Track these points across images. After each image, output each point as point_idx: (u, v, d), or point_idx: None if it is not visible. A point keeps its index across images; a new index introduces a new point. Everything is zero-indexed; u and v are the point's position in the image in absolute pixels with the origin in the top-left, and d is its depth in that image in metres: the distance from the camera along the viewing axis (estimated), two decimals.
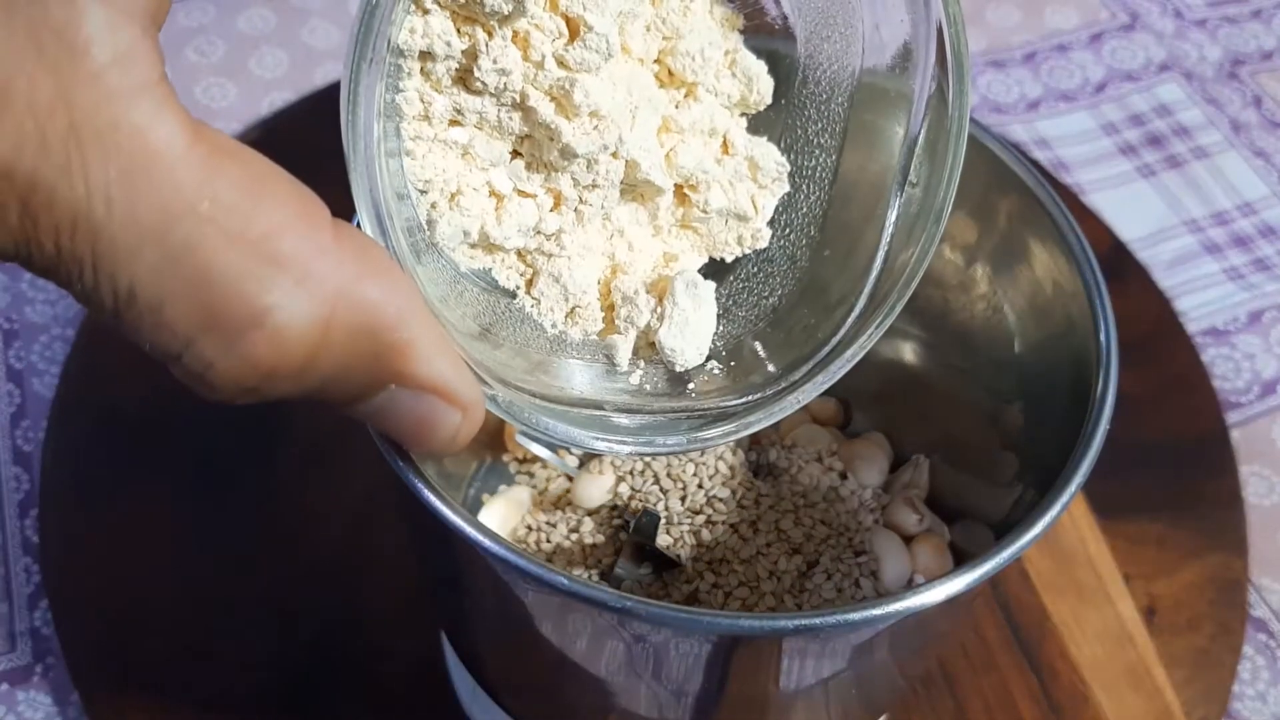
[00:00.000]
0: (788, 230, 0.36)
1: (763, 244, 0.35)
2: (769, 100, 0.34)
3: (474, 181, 0.32)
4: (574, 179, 0.32)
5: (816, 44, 0.34)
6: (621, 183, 0.33)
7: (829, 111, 0.35)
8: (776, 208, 0.35)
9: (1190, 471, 0.55)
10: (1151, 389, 0.57)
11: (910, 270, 0.35)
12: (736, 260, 0.36)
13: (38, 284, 0.59)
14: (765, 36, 0.34)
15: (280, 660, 0.48)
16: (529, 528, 0.44)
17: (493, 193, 0.32)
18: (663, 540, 0.40)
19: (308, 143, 0.63)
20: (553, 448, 0.44)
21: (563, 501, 0.45)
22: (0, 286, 0.58)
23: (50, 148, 0.22)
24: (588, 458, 0.45)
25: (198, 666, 0.47)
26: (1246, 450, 0.56)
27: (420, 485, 0.32)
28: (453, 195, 0.32)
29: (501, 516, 0.44)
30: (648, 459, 0.44)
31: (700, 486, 0.43)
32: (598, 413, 0.34)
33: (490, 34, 0.30)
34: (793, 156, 0.35)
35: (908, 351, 0.46)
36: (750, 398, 0.35)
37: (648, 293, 0.34)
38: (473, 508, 0.45)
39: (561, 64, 0.30)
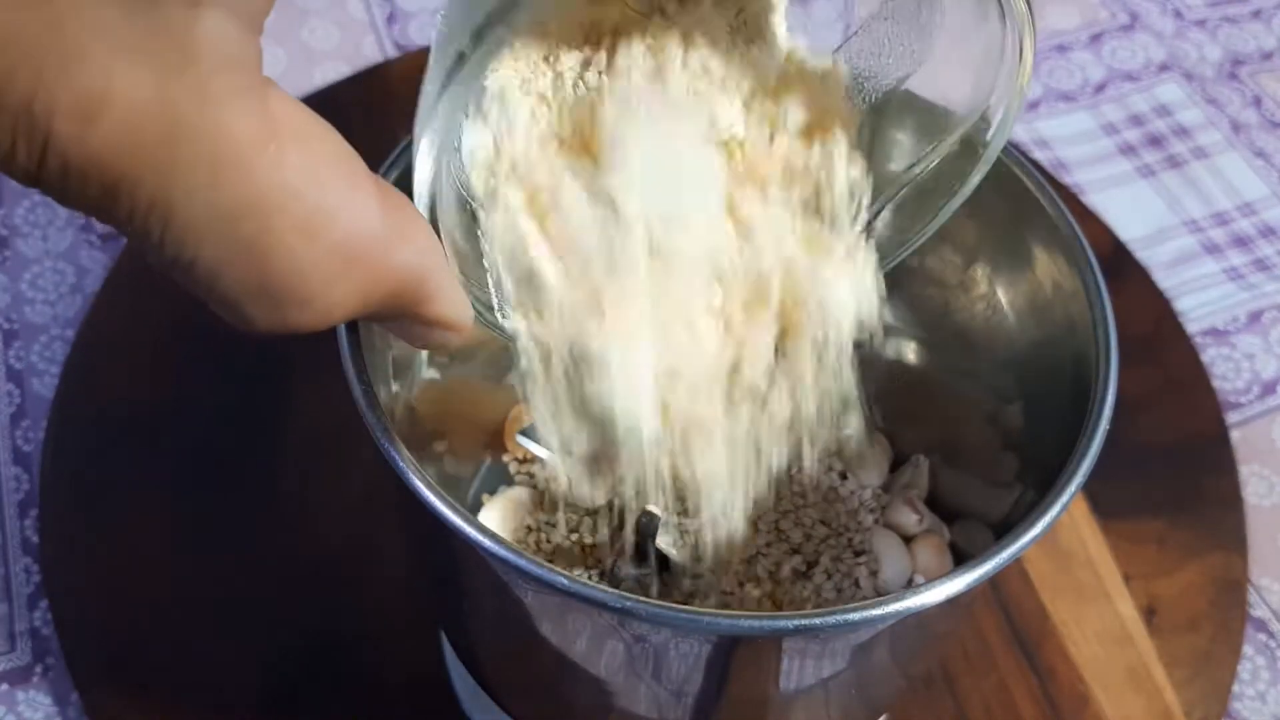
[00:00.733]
0: None
1: None
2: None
3: None
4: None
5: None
6: None
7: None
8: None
9: (1190, 471, 0.55)
10: (1151, 389, 0.57)
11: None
12: None
13: (38, 284, 0.59)
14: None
15: (280, 660, 0.48)
16: (529, 528, 0.44)
17: None
18: (663, 540, 0.40)
19: None
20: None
21: (563, 501, 0.45)
22: (0, 287, 0.58)
23: (144, 147, 0.23)
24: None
25: (197, 666, 0.47)
26: (1246, 450, 0.56)
27: (420, 485, 0.32)
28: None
29: (501, 516, 0.44)
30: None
31: None
32: None
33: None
34: None
35: (908, 351, 0.46)
36: None
37: None
38: (473, 508, 0.45)
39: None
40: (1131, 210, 0.65)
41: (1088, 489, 0.48)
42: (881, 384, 0.47)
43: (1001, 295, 0.41)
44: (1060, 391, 0.38)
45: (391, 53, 0.69)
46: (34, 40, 0.22)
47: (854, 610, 0.31)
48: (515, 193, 0.32)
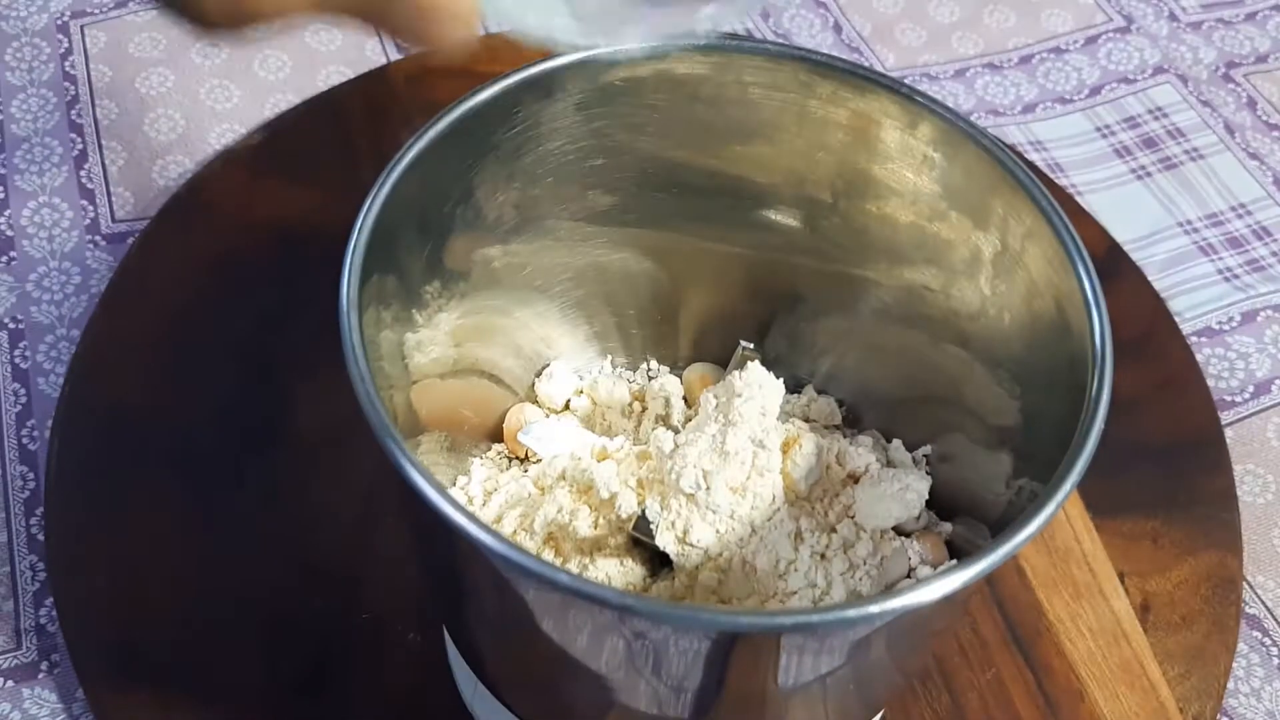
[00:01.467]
0: None
1: None
2: None
3: None
4: None
5: None
6: None
7: None
8: None
9: (1185, 470, 0.55)
10: (1146, 389, 0.57)
11: None
12: None
13: (43, 284, 0.59)
14: None
15: (283, 657, 0.48)
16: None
17: None
18: (662, 538, 0.41)
19: (309, 144, 0.64)
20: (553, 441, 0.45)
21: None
22: (6, 288, 0.59)
23: None
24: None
25: (201, 664, 0.48)
26: (1240, 449, 0.57)
27: (423, 483, 0.32)
28: None
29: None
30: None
31: None
32: None
33: None
34: None
35: (905, 351, 0.46)
36: None
37: None
38: None
39: None
40: (1126, 211, 0.65)
41: (1083, 487, 0.48)
42: (880, 383, 0.48)
43: (998, 296, 0.42)
44: (1056, 391, 0.38)
45: (394, 55, 0.69)
46: None
47: (851, 607, 0.31)
48: None
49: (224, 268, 0.59)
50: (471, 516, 0.32)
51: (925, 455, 0.45)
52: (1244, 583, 0.53)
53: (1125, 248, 0.63)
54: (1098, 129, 0.69)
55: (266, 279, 0.58)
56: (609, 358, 0.50)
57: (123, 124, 0.65)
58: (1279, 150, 0.68)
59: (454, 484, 0.44)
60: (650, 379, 0.49)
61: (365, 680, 0.47)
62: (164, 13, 0.25)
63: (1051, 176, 0.66)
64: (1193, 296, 0.62)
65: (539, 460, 0.45)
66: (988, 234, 0.41)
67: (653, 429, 0.46)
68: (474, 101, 0.40)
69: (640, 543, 0.42)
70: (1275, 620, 0.52)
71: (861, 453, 0.44)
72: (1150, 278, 0.62)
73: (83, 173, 0.63)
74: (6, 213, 0.61)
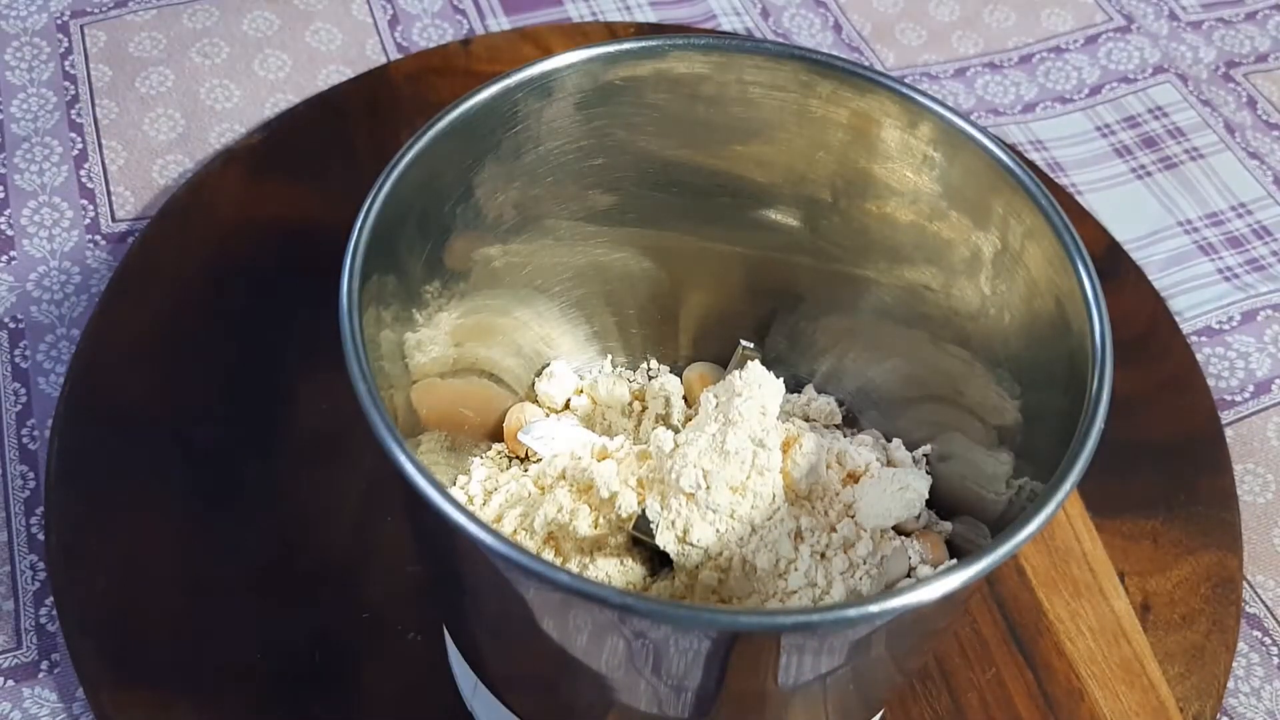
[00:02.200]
0: None
1: None
2: None
3: None
4: None
5: None
6: None
7: None
8: None
9: (1185, 469, 0.55)
10: (1146, 388, 0.57)
11: None
12: None
13: (43, 284, 0.59)
14: None
15: (283, 656, 0.48)
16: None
17: None
18: (662, 538, 0.41)
19: (309, 144, 0.64)
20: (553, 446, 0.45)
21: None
22: (6, 287, 0.59)
23: None
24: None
25: (201, 663, 0.48)
26: (1241, 448, 0.57)
27: (422, 482, 0.32)
28: None
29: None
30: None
31: None
32: None
33: None
34: None
35: (905, 351, 0.46)
36: None
37: None
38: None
39: None
40: (1126, 211, 0.65)
41: (1083, 486, 0.48)
42: (879, 383, 0.48)
43: (998, 295, 0.42)
44: (1056, 390, 0.38)
45: (394, 54, 0.69)
46: None
47: (851, 607, 0.31)
48: None
49: (224, 268, 0.59)
50: (471, 516, 0.32)
51: (925, 455, 0.45)
52: (1244, 582, 0.53)
53: (1125, 247, 0.63)
54: (1098, 128, 0.69)
55: (266, 279, 0.58)
56: (609, 357, 0.50)
57: (123, 124, 0.65)
58: (1279, 150, 0.68)
59: (454, 484, 0.44)
60: (650, 378, 0.49)
61: (365, 680, 0.47)
62: None
63: (1051, 176, 0.66)
64: (1193, 296, 0.62)
65: (539, 460, 0.45)
66: (988, 233, 0.41)
67: (653, 428, 0.46)
68: (474, 101, 0.40)
69: (640, 542, 0.42)
70: (1275, 620, 0.52)
71: (861, 452, 0.44)
72: (1150, 277, 0.62)
73: (83, 172, 0.63)
74: (6, 212, 0.61)
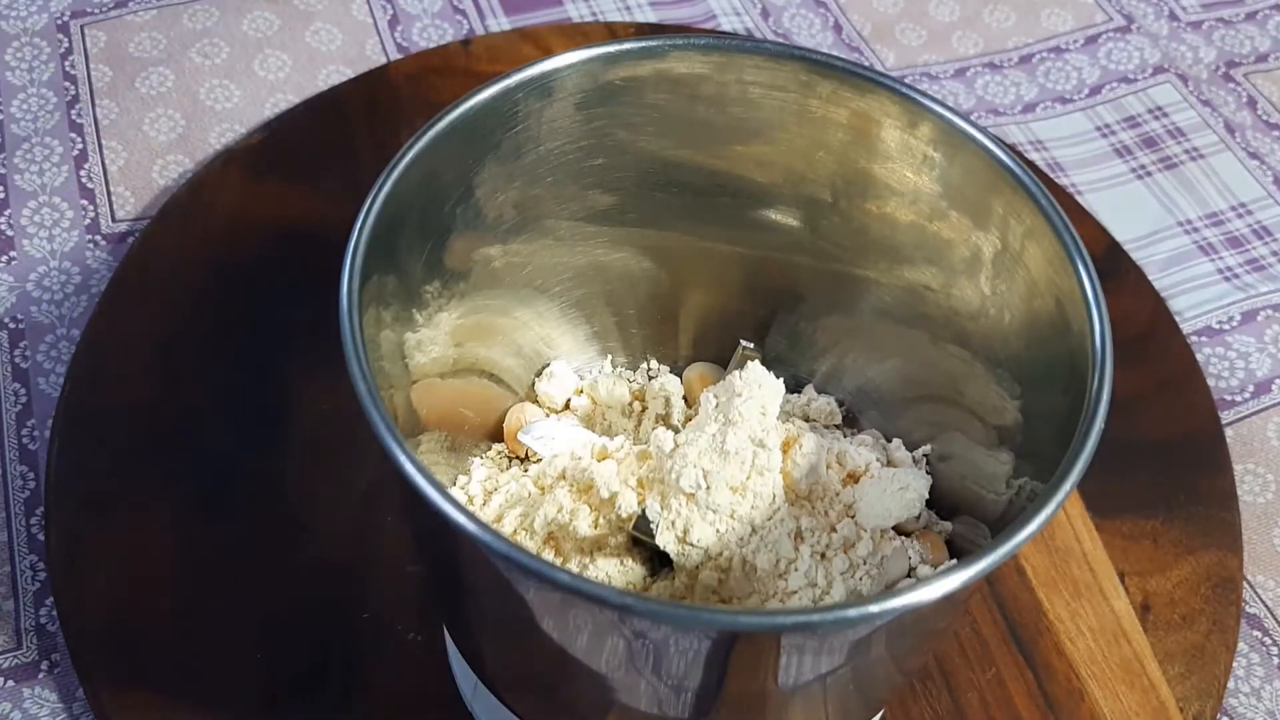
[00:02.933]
0: None
1: None
2: None
3: None
4: None
5: None
6: None
7: None
8: None
9: (1185, 470, 0.55)
10: (1146, 388, 0.57)
11: None
12: None
13: (43, 284, 0.59)
14: None
15: (283, 657, 0.48)
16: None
17: None
18: (662, 538, 0.41)
19: (309, 144, 0.64)
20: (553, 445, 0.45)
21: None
22: (6, 287, 0.59)
23: None
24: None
25: (202, 663, 0.48)
26: (1241, 448, 0.57)
27: (422, 482, 0.32)
28: None
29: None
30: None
31: None
32: None
33: None
34: None
35: (905, 351, 0.46)
36: None
37: None
38: None
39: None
40: (1127, 211, 0.65)
41: (1083, 486, 0.48)
42: (879, 383, 0.48)
43: (998, 296, 0.42)
44: (1056, 390, 0.38)
45: (394, 54, 0.69)
46: None
47: (852, 607, 0.31)
48: None
49: (224, 268, 0.59)
50: (471, 516, 0.32)
51: (925, 455, 0.45)
52: (1244, 582, 0.53)
53: (1125, 247, 0.63)
54: (1098, 128, 0.69)
55: (266, 279, 0.58)
56: (609, 357, 0.50)
57: (123, 124, 0.65)
58: (1279, 150, 0.68)
59: (454, 484, 0.44)
60: (650, 378, 0.49)
61: (365, 680, 0.47)
62: None
63: (1051, 176, 0.66)
64: (1193, 296, 0.62)
65: (539, 460, 0.45)
66: (988, 233, 0.41)
67: (653, 428, 0.46)
68: (474, 101, 0.40)
69: (640, 542, 0.42)
70: (1275, 620, 0.52)
71: (861, 452, 0.44)
72: (1150, 277, 0.62)
73: (83, 172, 0.63)
74: (6, 212, 0.61)
